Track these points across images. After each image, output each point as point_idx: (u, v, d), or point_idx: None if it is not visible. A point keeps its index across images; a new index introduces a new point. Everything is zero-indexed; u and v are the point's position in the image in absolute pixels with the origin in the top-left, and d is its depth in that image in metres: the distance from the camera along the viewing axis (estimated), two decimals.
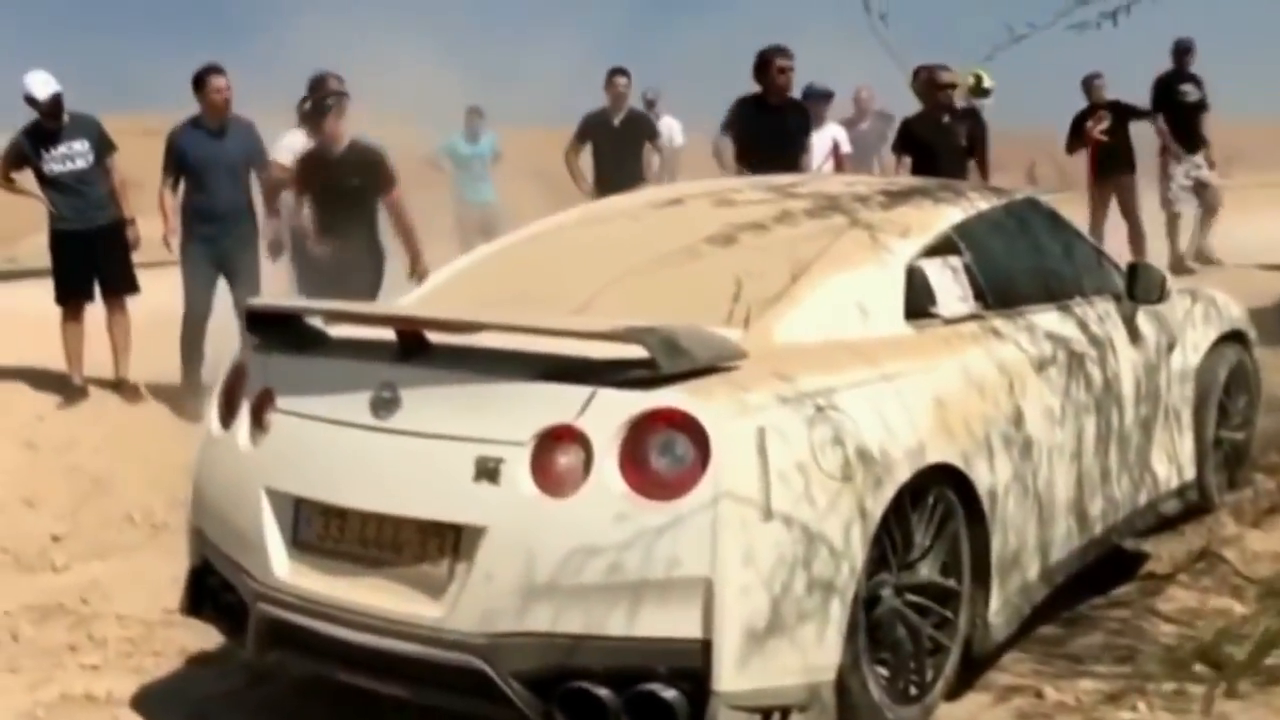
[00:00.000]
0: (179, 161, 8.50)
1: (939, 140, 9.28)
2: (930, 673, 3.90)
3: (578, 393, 3.39)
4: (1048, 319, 4.65)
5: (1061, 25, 4.37)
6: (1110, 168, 12.09)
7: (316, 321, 4.11)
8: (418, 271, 7.72)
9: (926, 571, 3.87)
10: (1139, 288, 5.11)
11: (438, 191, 13.15)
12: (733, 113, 9.01)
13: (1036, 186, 10.53)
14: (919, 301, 4.20)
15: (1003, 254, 4.74)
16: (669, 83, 14.53)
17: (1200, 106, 12.48)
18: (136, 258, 8.63)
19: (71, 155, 8.42)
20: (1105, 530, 4.79)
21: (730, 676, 3.27)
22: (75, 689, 4.56)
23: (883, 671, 3.73)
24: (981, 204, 4.84)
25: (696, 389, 3.37)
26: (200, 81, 8.47)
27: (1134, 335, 5.07)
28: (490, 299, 4.31)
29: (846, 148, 11.03)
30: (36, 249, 9.83)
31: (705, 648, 3.26)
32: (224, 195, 8.48)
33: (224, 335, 7.41)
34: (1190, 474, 5.45)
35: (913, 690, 3.85)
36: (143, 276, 8.61)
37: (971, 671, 4.14)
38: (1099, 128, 11.96)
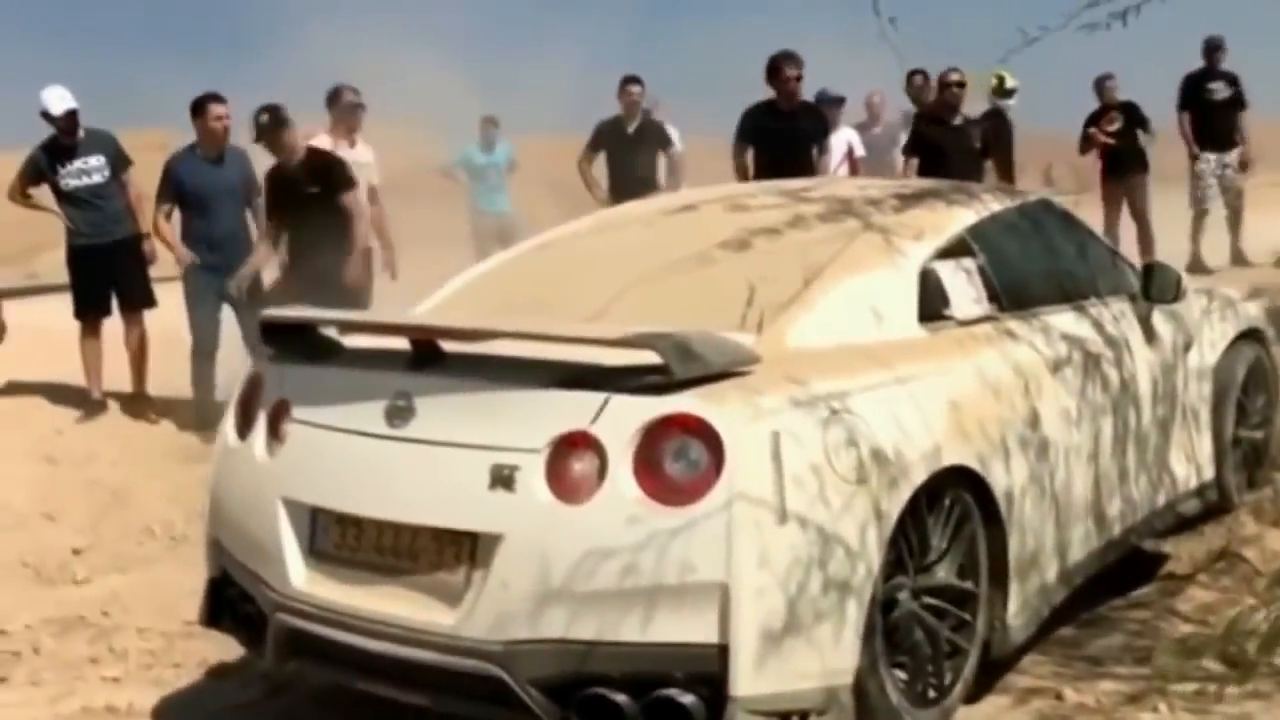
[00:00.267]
0: (176, 189, 8.45)
1: (949, 142, 9.27)
2: (949, 675, 3.89)
3: (591, 399, 3.39)
4: (1063, 320, 4.64)
5: (1072, 27, 4.37)
6: (1121, 169, 12.05)
7: (331, 331, 4.12)
8: (350, 278, 7.82)
9: (944, 574, 3.86)
10: (1154, 287, 5.09)
11: (451, 201, 13.19)
12: (746, 120, 9.02)
13: (1052, 188, 10.48)
14: (933, 304, 4.20)
15: (1017, 255, 4.73)
16: (674, 89, 14.54)
17: (1231, 104, 12.35)
18: (153, 272, 8.66)
19: (88, 170, 8.46)
20: (1124, 531, 4.78)
21: (747, 681, 3.26)
22: (96, 701, 4.58)
23: (901, 674, 3.72)
24: (995, 205, 4.83)
25: (710, 394, 3.37)
26: (199, 108, 8.41)
27: (1150, 335, 5.05)
28: (504, 307, 4.32)
29: (861, 151, 11.02)
30: (56, 264, 9.88)
31: (722, 652, 3.26)
32: (225, 223, 8.49)
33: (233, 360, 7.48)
34: (1209, 474, 5.42)
35: (931, 693, 3.84)
36: (159, 290, 8.64)
37: (991, 674, 4.13)
38: (1107, 129, 11.93)
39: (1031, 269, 4.80)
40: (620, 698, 3.28)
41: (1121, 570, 4.90)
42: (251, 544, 3.94)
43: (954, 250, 4.40)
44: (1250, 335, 5.81)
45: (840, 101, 11.23)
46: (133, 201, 8.55)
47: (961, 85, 10.05)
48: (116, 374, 8.63)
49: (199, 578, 4.29)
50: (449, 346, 3.75)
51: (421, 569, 3.55)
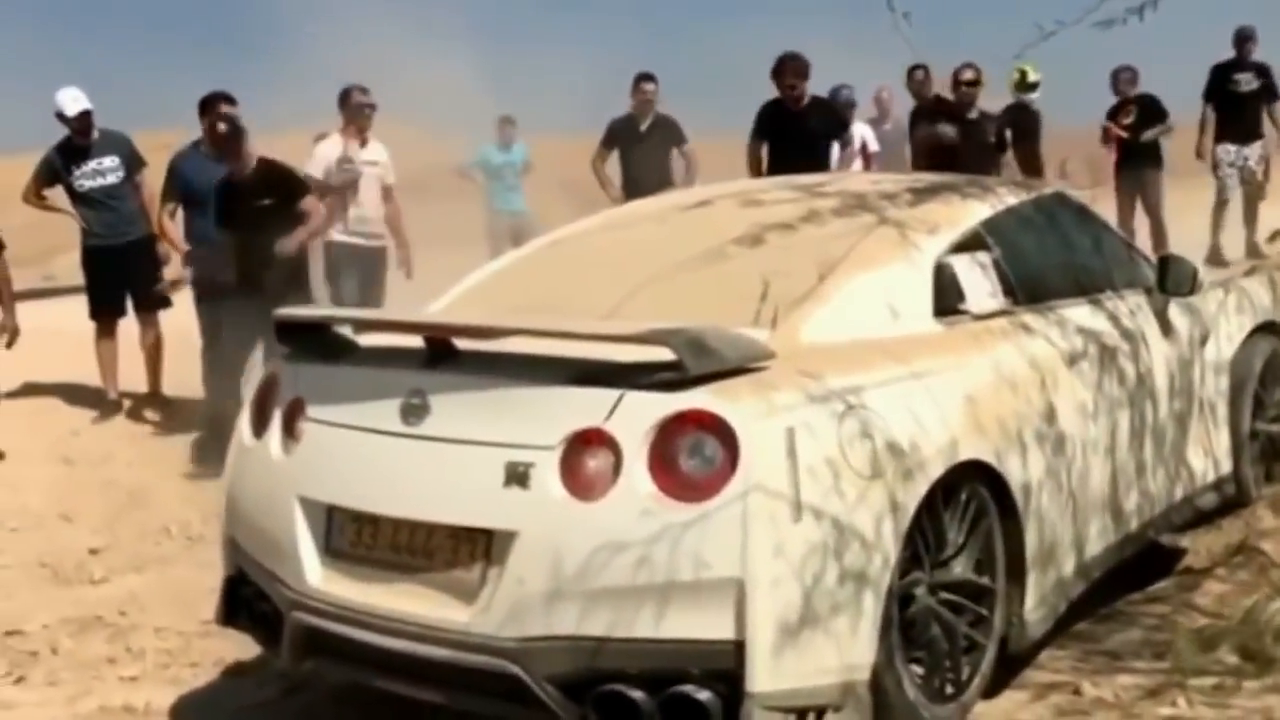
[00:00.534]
0: (182, 187, 8.39)
1: (963, 137, 9.25)
2: (966, 671, 3.88)
3: (606, 396, 3.39)
4: (1078, 313, 4.62)
5: (1088, 23, 4.36)
6: (1134, 163, 11.99)
7: (345, 330, 4.13)
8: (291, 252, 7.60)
9: (960, 569, 3.85)
10: (1170, 280, 5.07)
11: (467, 200, 13.22)
12: (759, 117, 9.02)
13: (1067, 183, 10.46)
14: (948, 298, 4.18)
15: (1032, 249, 4.71)
16: (686, 89, 14.50)
17: (1258, 96, 12.19)
18: (167, 272, 8.68)
19: (102, 171, 8.49)
20: (1141, 525, 4.76)
21: (764, 677, 3.26)
22: (114, 701, 4.59)
23: (918, 670, 3.71)
24: (1010, 199, 4.82)
25: (724, 390, 3.36)
26: (208, 107, 8.32)
27: (1166, 328, 5.03)
28: (518, 304, 4.32)
29: (875, 147, 11.01)
30: (71, 266, 9.91)
31: (738, 649, 3.25)
32: None
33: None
34: (1226, 467, 5.40)
35: (949, 689, 3.83)
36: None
37: (1008, 669, 4.12)
38: (1123, 123, 11.88)
39: (1047, 262, 4.78)
40: (637, 694, 3.28)
41: (1139, 565, 4.88)
42: (268, 542, 3.94)
43: (969, 244, 4.39)
44: (1267, 328, 5.77)
45: (851, 106, 11.21)
46: (146, 202, 8.57)
47: (973, 84, 10.03)
48: (132, 375, 8.65)
49: (216, 577, 4.29)
50: (463, 344, 3.75)
51: (437, 566, 3.55)
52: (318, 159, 8.69)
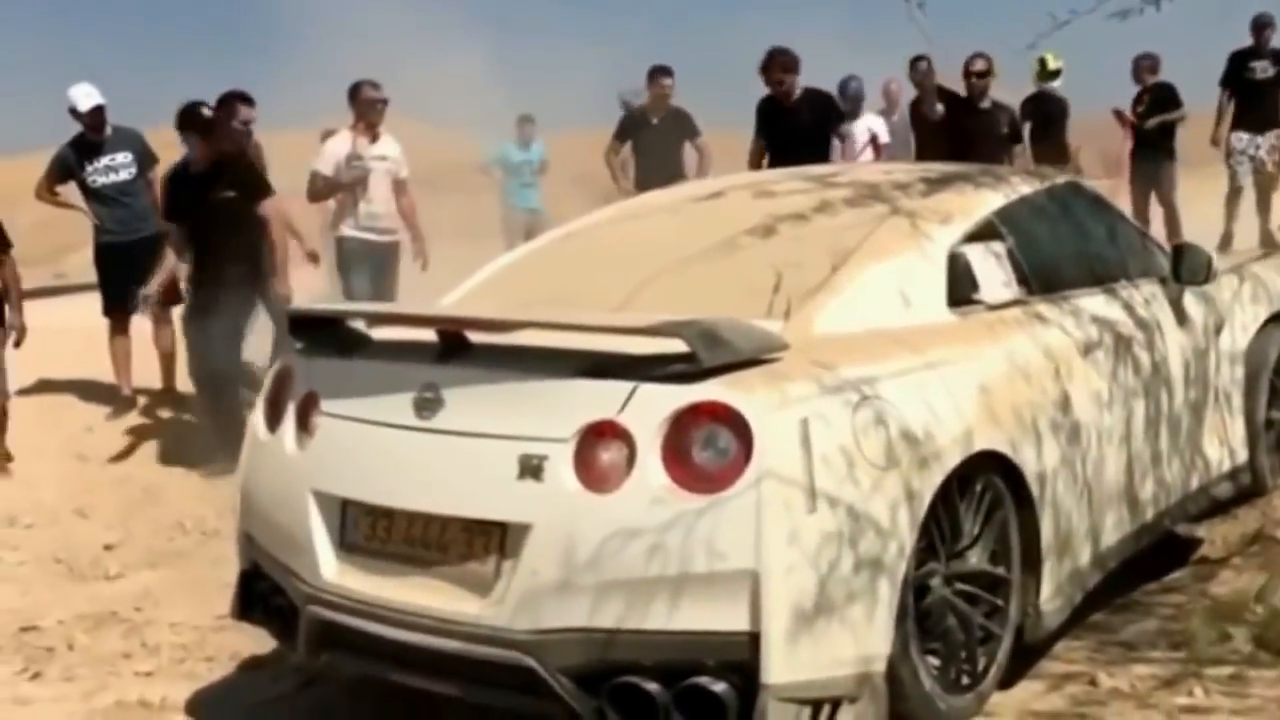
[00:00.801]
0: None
1: (975, 128, 9.22)
2: (982, 661, 3.88)
3: (619, 388, 3.38)
4: (1093, 303, 4.60)
5: (1103, 13, 4.34)
6: (1148, 153, 11.93)
7: (358, 324, 4.13)
8: (282, 293, 7.47)
9: (976, 560, 3.84)
10: (1184, 269, 5.05)
11: (483, 196, 13.26)
12: (756, 112, 9.00)
13: (1079, 173, 10.42)
14: (962, 288, 4.17)
15: (1046, 238, 4.70)
16: (699, 82, 14.49)
17: (1276, 84, 11.98)
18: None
19: (114, 167, 8.50)
20: (1157, 515, 4.74)
21: (779, 669, 3.25)
22: (130, 696, 4.60)
23: (934, 661, 3.71)
24: (1023, 188, 4.80)
25: (738, 381, 3.35)
26: (225, 106, 8.23)
27: (1181, 317, 5.02)
28: (530, 298, 4.31)
29: (885, 138, 10.97)
30: (84, 263, 9.93)
31: (753, 640, 3.25)
32: None
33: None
34: (1242, 457, 5.38)
35: (965, 679, 3.82)
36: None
37: (1024, 659, 4.11)
38: (1137, 110, 11.82)
39: (1061, 252, 4.76)
40: (651, 686, 3.27)
41: (1154, 555, 4.87)
42: (282, 537, 3.95)
43: (982, 234, 4.37)
44: None
45: (859, 100, 11.16)
46: (157, 199, 8.57)
47: (984, 74, 9.99)
48: (145, 371, 8.66)
49: (230, 572, 4.31)
50: (476, 338, 3.74)
51: (451, 559, 3.55)
52: (327, 156, 8.68)
